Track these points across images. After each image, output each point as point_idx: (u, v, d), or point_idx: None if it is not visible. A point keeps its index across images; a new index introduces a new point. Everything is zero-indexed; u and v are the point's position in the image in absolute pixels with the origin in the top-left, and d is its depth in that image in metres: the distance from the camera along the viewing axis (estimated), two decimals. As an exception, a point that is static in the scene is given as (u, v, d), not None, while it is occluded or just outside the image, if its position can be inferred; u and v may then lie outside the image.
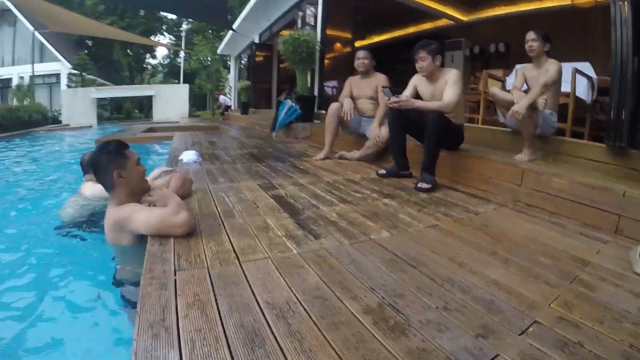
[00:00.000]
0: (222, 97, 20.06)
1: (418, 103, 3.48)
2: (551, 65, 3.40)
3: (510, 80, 4.53)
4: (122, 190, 2.34)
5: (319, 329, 1.29)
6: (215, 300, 1.45)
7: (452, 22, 9.48)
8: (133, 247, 2.23)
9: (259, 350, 1.17)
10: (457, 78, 3.43)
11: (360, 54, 4.72)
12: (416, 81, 3.74)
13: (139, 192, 2.40)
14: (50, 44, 24.27)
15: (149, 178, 3.17)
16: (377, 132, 4.36)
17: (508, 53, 8.25)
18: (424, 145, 3.39)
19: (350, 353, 1.16)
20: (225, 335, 1.24)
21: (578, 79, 3.97)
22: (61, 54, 24.44)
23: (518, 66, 4.33)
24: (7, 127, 13.56)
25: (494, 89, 3.78)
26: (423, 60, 3.49)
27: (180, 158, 4.54)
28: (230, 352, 1.16)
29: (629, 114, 2.80)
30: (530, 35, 3.50)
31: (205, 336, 1.23)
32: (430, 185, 3.18)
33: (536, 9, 7.51)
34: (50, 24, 18.15)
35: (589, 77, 4.12)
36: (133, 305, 2.24)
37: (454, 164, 3.57)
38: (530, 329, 1.30)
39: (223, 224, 2.32)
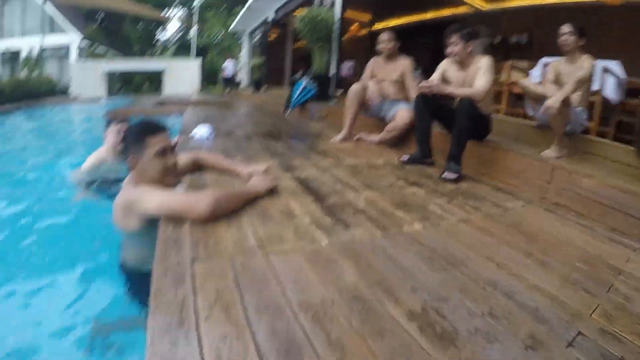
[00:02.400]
0: (227, 61, 18.40)
1: (450, 88, 3.34)
2: (586, 61, 3.23)
3: (535, 73, 4.37)
4: (140, 175, 2.11)
5: (361, 337, 1.13)
6: (242, 299, 1.25)
7: (472, 10, 9.18)
8: (140, 234, 2.03)
9: (295, 363, 0.99)
10: (490, 65, 3.27)
11: (385, 35, 4.50)
12: (445, 66, 3.58)
13: (163, 182, 2.12)
14: (60, 15, 23.96)
15: None
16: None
17: (530, 45, 7.96)
18: (452, 133, 3.23)
19: None
20: (255, 343, 1.06)
21: (607, 77, 3.83)
22: (71, 26, 24.16)
23: (544, 59, 4.22)
24: (16, 98, 13.38)
25: (525, 81, 3.65)
26: (455, 45, 3.34)
27: (192, 134, 4.31)
28: (263, 364, 0.97)
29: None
30: (565, 28, 3.31)
31: (232, 345, 1.05)
32: (457, 176, 3.03)
33: (563, 3, 7.22)
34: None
35: (618, 77, 3.90)
36: (140, 299, 2.08)
37: (481, 155, 3.38)
38: (576, 341, 1.22)
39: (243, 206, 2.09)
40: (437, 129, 3.61)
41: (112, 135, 3.58)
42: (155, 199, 1.88)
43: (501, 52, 8.01)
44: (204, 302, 1.22)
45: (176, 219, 1.82)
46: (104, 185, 3.45)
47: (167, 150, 2.11)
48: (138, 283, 2.10)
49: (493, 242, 1.95)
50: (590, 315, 1.37)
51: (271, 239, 1.72)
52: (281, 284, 1.36)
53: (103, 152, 3.67)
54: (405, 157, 3.57)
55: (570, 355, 1.15)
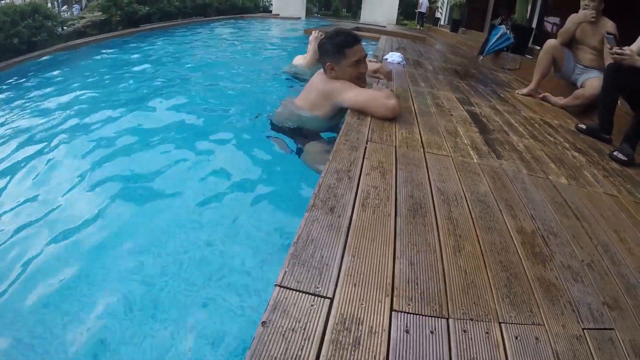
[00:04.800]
0: None
1: None
2: None
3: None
4: (336, 78, 2.60)
5: (474, 225, 1.47)
6: (396, 171, 1.73)
7: None
8: (323, 121, 2.60)
9: (419, 218, 1.41)
10: None
11: None
12: None
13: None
14: None
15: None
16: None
17: None
18: (635, 113, 3.04)
19: (492, 254, 1.32)
20: (396, 198, 1.51)
21: None
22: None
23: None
24: (222, 11, 15.56)
25: None
26: None
27: (385, 57, 4.84)
28: (396, 210, 1.42)
29: None
30: None
31: (379, 192, 1.52)
32: (627, 159, 2.85)
33: None
34: None
35: None
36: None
37: None
38: None
39: (417, 119, 2.60)
40: (624, 107, 3.42)
41: (313, 42, 4.24)
42: (353, 92, 2.45)
43: None
44: (368, 165, 1.72)
45: (361, 113, 2.38)
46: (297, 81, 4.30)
47: (361, 61, 2.60)
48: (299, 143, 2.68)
49: (629, 221, 1.94)
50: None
51: (432, 144, 2.18)
52: (429, 172, 1.80)
53: (301, 59, 4.47)
54: (583, 126, 3.47)
55: (640, 333, 1.19)
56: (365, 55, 2.65)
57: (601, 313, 1.20)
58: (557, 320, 1.11)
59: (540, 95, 4.54)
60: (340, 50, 2.54)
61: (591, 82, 4.06)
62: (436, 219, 1.44)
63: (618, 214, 1.97)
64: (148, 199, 2.29)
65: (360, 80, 2.64)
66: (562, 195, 1.97)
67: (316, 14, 25.68)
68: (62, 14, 9.23)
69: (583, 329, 1.11)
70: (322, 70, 2.70)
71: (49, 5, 8.83)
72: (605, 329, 1.15)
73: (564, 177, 2.23)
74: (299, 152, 2.54)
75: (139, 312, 1.54)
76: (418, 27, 18.19)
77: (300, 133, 2.66)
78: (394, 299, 1.02)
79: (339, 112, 2.58)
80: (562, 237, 1.56)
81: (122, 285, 1.65)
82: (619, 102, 3.33)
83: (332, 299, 0.97)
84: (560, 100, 4.36)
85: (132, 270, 1.73)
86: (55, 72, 5.55)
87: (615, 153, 2.91)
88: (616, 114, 3.33)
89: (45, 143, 2.97)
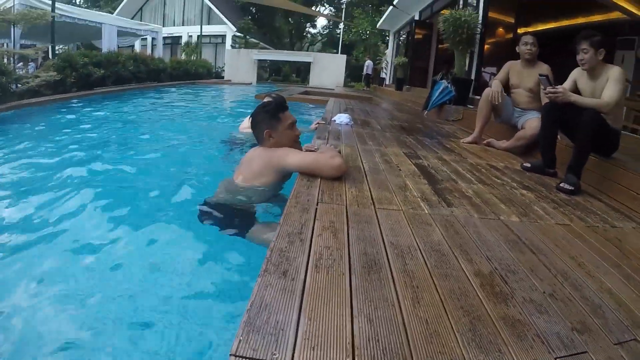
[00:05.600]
0: (368, 61, 21.23)
1: (574, 97, 3.27)
2: None
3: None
4: (276, 144, 2.68)
5: (430, 274, 1.49)
6: (348, 229, 1.76)
7: (626, 16, 8.47)
8: (268, 190, 2.63)
9: (374, 275, 1.42)
10: (621, 76, 3.18)
11: (529, 38, 4.51)
12: (576, 75, 3.53)
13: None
14: (217, 9, 27.50)
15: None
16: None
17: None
18: (574, 144, 3.24)
19: (452, 301, 1.33)
20: (349, 256, 1.53)
21: None
22: (227, 18, 27.43)
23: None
24: (176, 76, 16.16)
25: None
26: (585, 53, 3.26)
27: (333, 119, 5.02)
28: (350, 269, 1.43)
29: None
30: None
31: (332, 252, 1.54)
32: (573, 188, 3.01)
33: None
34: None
35: None
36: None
37: (603, 171, 3.31)
38: (628, 344, 1.26)
39: (366, 177, 2.68)
40: (564, 141, 3.61)
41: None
42: (297, 157, 2.52)
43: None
44: (319, 226, 1.75)
45: (309, 176, 2.43)
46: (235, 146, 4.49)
47: (294, 124, 2.74)
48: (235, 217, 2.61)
49: (583, 246, 2.00)
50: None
51: (382, 200, 2.24)
52: (381, 227, 1.84)
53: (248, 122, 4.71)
54: (528, 164, 3.67)
55: (615, 352, 1.19)
56: (296, 121, 2.79)
57: (571, 339, 1.21)
58: (527, 354, 1.11)
59: (485, 142, 4.77)
60: (275, 115, 2.67)
61: (530, 122, 4.34)
62: (392, 273, 1.46)
63: (572, 241, 2.05)
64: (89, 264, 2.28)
65: (297, 144, 2.77)
66: (515, 233, 2.04)
67: (267, 80, 26.55)
68: (17, 70, 9.21)
69: (555, 359, 1.11)
70: (255, 147, 2.80)
71: (5, 60, 8.81)
72: (578, 353, 1.16)
73: (515, 215, 2.32)
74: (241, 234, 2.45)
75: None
76: (364, 88, 19.17)
77: (239, 215, 2.60)
78: (356, 358, 1.00)
79: (283, 179, 2.65)
80: (520, 273, 1.60)
81: None
82: (558, 137, 3.54)
83: (291, 365, 0.94)
84: (504, 144, 4.60)
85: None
86: (5, 130, 5.66)
87: (561, 184, 3.07)
88: (557, 149, 3.53)
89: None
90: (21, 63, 10.87)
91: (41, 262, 2.27)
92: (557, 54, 5.58)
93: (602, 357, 1.16)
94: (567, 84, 3.55)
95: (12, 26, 10.53)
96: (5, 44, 14.43)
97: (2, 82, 7.38)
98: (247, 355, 0.95)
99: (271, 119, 2.66)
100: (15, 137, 5.39)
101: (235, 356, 0.94)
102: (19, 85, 8.23)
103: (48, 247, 2.45)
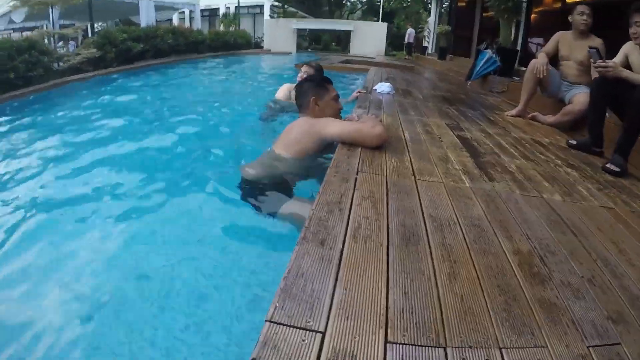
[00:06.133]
0: (409, 29, 20.53)
1: (626, 72, 3.08)
2: None
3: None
4: (320, 114, 2.67)
5: (468, 249, 1.47)
6: (387, 200, 1.74)
7: None
8: (309, 160, 2.58)
9: (412, 247, 1.41)
10: None
11: (585, 8, 4.22)
12: (628, 49, 3.30)
13: None
14: None
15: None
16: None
17: None
18: (623, 123, 3.07)
19: (489, 278, 1.31)
20: (388, 227, 1.52)
21: None
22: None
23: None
24: (215, 48, 16.23)
25: None
26: (638, 26, 3.06)
27: (374, 88, 4.95)
28: (388, 240, 1.43)
29: None
30: None
31: (370, 222, 1.53)
32: (620, 170, 2.86)
33: None
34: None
35: None
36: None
37: None
38: None
39: (407, 147, 2.65)
40: (613, 119, 3.46)
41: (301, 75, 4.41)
42: (338, 126, 2.51)
43: None
44: (358, 195, 1.73)
45: (349, 145, 2.42)
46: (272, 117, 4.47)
47: (338, 98, 2.79)
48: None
49: (626, 232, 1.92)
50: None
51: (423, 171, 2.21)
52: (421, 199, 1.81)
53: (285, 89, 4.76)
54: (574, 141, 3.51)
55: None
56: (339, 95, 2.83)
57: (606, 328, 1.17)
58: (560, 340, 1.08)
59: (530, 115, 4.59)
60: (323, 85, 2.74)
61: (578, 97, 4.13)
62: (429, 246, 1.44)
63: (615, 226, 1.97)
64: (131, 235, 2.35)
65: (339, 117, 2.80)
66: (557, 213, 1.97)
67: (307, 48, 26.29)
68: (58, 50, 9.58)
69: (588, 347, 1.08)
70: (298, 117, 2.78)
71: (46, 41, 9.14)
72: (611, 344, 1.12)
73: (558, 194, 2.24)
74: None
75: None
76: (406, 57, 18.72)
77: (276, 188, 2.53)
78: (388, 330, 1.00)
79: (322, 151, 2.60)
80: (560, 255, 1.55)
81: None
82: (607, 114, 3.37)
83: (324, 333, 0.95)
84: (550, 118, 4.42)
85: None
86: (50, 106, 5.84)
87: (608, 165, 2.92)
88: (605, 126, 3.36)
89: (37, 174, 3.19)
90: (61, 42, 11.25)
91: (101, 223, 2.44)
92: (607, 27, 5.27)
93: (636, 350, 1.12)
94: (618, 58, 3.34)
95: (50, 8, 10.99)
96: (44, 25, 14.95)
97: (44, 61, 7.65)
98: (282, 322, 0.96)
99: (318, 87, 2.72)
100: (62, 110, 5.62)
101: (270, 322, 0.96)
102: (61, 64, 8.53)
103: (105, 211, 2.59)
